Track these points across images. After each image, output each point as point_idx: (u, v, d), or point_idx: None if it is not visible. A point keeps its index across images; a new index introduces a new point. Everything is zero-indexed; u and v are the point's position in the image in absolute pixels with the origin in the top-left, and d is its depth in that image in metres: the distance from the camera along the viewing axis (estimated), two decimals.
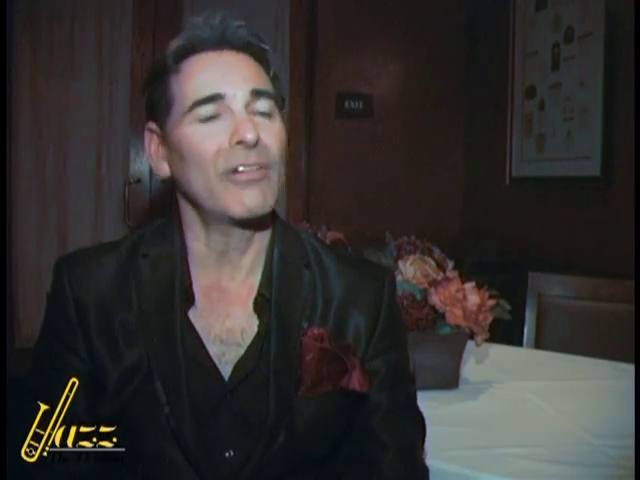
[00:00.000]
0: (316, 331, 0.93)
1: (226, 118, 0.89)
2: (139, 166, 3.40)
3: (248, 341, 0.94)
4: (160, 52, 0.94)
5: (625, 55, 2.55)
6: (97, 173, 3.38)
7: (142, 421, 0.90)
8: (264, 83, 0.93)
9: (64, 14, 3.28)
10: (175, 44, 0.92)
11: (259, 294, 0.95)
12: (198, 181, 0.90)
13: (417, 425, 1.02)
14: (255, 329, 0.94)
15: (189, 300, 0.94)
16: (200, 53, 0.91)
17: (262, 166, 0.89)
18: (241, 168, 0.88)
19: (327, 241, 2.41)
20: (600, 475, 1.16)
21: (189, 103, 0.89)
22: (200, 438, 0.90)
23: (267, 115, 0.92)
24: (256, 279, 0.97)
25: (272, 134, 0.91)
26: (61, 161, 3.32)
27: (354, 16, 3.61)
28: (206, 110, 0.89)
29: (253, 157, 0.88)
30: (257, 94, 0.90)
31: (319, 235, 2.44)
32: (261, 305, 0.95)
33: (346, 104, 3.64)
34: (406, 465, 0.97)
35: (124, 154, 3.41)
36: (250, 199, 0.89)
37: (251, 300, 0.96)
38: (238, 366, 0.93)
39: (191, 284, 0.95)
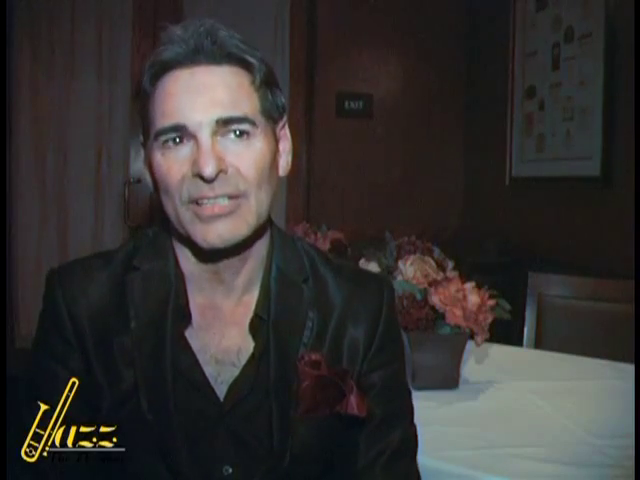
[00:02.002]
0: (313, 357, 0.92)
1: (191, 145, 0.84)
2: (139, 166, 3.39)
3: (243, 361, 0.92)
4: None
5: (625, 55, 2.55)
6: (97, 173, 3.39)
7: (134, 440, 0.88)
8: (239, 104, 0.85)
9: (64, 14, 3.28)
10: (150, 61, 0.87)
11: (255, 315, 0.93)
12: (168, 206, 0.87)
13: (406, 438, 1.00)
14: (251, 349, 0.92)
15: (186, 319, 0.92)
16: (173, 71, 0.85)
17: (230, 196, 0.85)
18: (204, 201, 0.84)
19: (327, 241, 2.42)
20: (600, 475, 1.16)
21: (155, 130, 0.86)
22: (194, 458, 0.89)
23: (243, 135, 0.86)
24: (253, 297, 0.95)
25: (247, 158, 0.85)
26: (61, 161, 3.33)
27: (354, 16, 3.61)
28: (169, 139, 0.85)
29: (217, 189, 0.84)
30: (225, 122, 0.84)
31: (319, 235, 2.45)
32: (257, 326, 0.93)
33: (346, 104, 3.64)
34: (383, 476, 0.97)
35: (124, 154, 3.41)
36: (213, 236, 0.85)
37: (247, 320, 0.93)
38: (233, 387, 0.91)
39: (188, 303, 0.93)
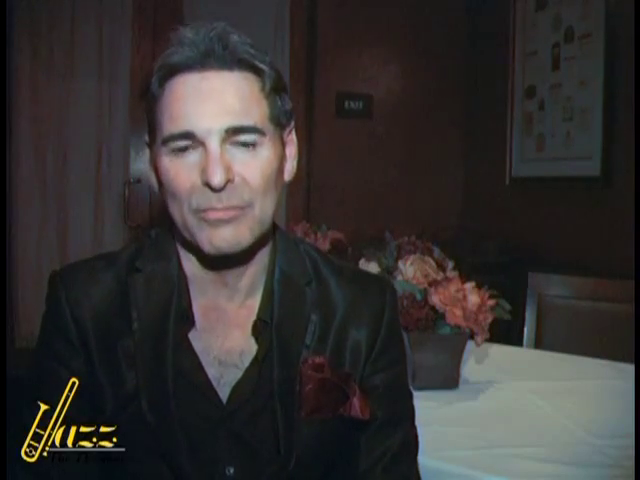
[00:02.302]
0: (316, 360, 0.92)
1: (200, 152, 0.84)
2: (139, 166, 3.39)
3: (246, 364, 0.92)
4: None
5: (625, 55, 2.55)
6: (97, 173, 3.38)
7: (136, 441, 0.88)
8: (249, 112, 0.85)
9: (64, 14, 3.27)
10: (159, 63, 0.86)
11: (258, 318, 0.93)
12: (175, 211, 0.87)
13: (407, 441, 1.00)
14: (254, 352, 0.93)
15: (189, 322, 0.92)
16: (183, 74, 0.84)
17: (236, 207, 0.85)
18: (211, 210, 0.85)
19: (327, 241, 2.42)
20: (600, 475, 1.16)
21: (163, 136, 0.85)
22: (196, 459, 0.88)
23: (250, 146, 0.85)
24: (256, 300, 0.95)
25: (253, 167, 0.85)
26: (61, 161, 3.32)
27: (354, 16, 3.61)
28: (178, 145, 0.84)
29: (224, 200, 0.84)
30: (234, 131, 0.84)
31: (319, 235, 2.45)
32: (260, 329, 0.93)
33: (346, 104, 3.64)
34: (384, 478, 0.97)
35: (124, 154, 3.41)
36: (219, 240, 0.85)
37: (250, 322, 0.94)
38: (236, 389, 0.91)
39: (190, 305, 0.93)
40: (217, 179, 0.82)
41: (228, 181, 0.83)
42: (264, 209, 0.87)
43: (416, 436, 1.02)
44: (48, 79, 3.27)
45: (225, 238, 0.85)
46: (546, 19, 3.11)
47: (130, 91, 3.34)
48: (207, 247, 0.86)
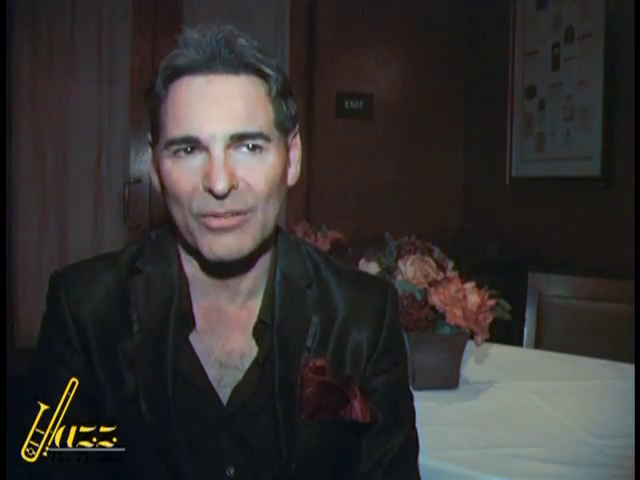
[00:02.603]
0: (317, 362, 0.92)
1: (203, 157, 0.83)
2: (139, 166, 3.40)
3: (247, 365, 0.92)
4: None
5: (625, 55, 2.55)
6: (97, 173, 3.38)
7: (136, 442, 0.88)
8: (255, 117, 0.84)
9: (64, 14, 3.27)
10: (165, 64, 0.85)
11: (259, 320, 0.93)
12: (177, 215, 0.87)
13: (407, 443, 1.00)
14: (254, 354, 0.92)
15: (190, 324, 0.92)
16: (188, 76, 0.83)
17: (239, 212, 0.84)
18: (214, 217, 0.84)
19: (327, 241, 2.42)
20: (600, 475, 1.16)
21: (167, 139, 0.84)
22: (196, 460, 0.88)
23: (254, 151, 0.85)
24: (257, 302, 0.94)
25: (257, 173, 0.84)
26: (61, 161, 3.32)
27: (354, 16, 3.61)
28: (181, 149, 0.83)
29: (227, 205, 0.83)
30: (239, 137, 0.83)
31: (319, 235, 2.45)
32: (261, 331, 0.93)
33: (346, 104, 3.64)
34: None
35: (124, 154, 3.41)
36: (220, 247, 0.84)
37: (251, 324, 0.93)
38: (236, 391, 0.91)
39: (191, 307, 0.92)
40: (220, 186, 0.81)
41: (232, 187, 0.83)
42: (267, 214, 0.87)
43: (417, 438, 1.02)
44: (48, 79, 3.27)
45: (226, 246, 0.85)
46: (546, 19, 3.11)
47: (130, 91, 3.34)
48: (207, 253, 0.86)
